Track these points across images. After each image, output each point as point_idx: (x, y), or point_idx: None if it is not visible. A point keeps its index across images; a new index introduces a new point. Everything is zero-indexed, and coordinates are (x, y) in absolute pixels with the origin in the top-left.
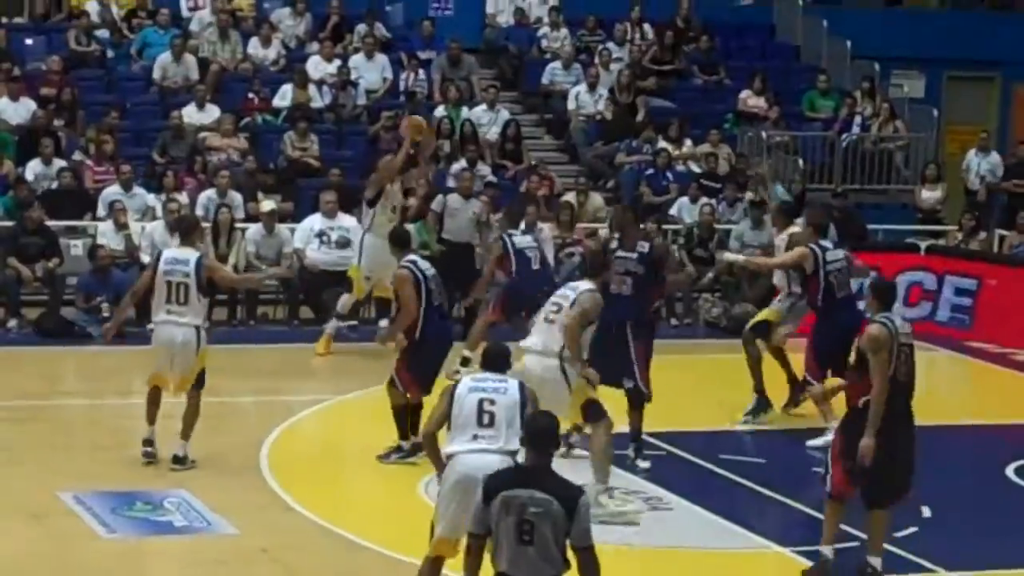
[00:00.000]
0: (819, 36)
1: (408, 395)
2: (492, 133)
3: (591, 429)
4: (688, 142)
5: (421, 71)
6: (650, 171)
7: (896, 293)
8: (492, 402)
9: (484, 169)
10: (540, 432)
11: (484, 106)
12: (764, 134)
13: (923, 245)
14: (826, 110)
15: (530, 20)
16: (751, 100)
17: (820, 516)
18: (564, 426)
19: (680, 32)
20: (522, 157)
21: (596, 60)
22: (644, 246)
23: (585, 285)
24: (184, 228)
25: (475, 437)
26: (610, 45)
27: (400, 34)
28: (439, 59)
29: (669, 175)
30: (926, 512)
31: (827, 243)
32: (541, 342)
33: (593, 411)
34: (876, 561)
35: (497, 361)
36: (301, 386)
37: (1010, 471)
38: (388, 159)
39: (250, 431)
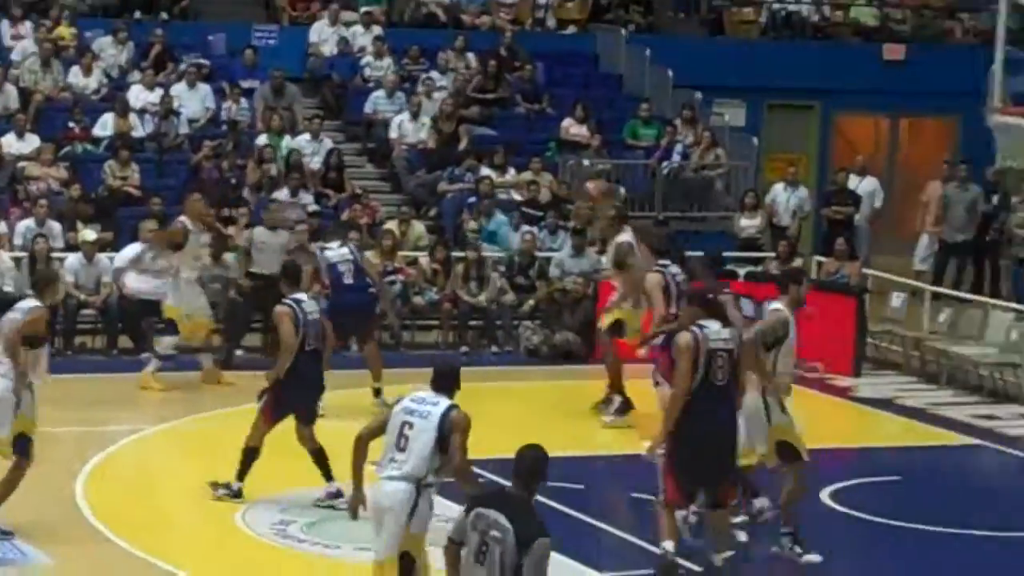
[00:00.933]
0: (641, 65)
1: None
2: (315, 162)
3: (786, 470)
4: (511, 170)
5: (243, 100)
6: (472, 199)
7: (716, 299)
8: (411, 426)
9: (307, 198)
10: (525, 465)
11: (307, 135)
12: (586, 162)
13: (742, 272)
14: (648, 138)
15: (354, 49)
16: (573, 128)
17: (637, 541)
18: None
19: (503, 61)
20: (345, 186)
21: (419, 89)
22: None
23: (773, 305)
24: (35, 281)
25: (392, 460)
26: (433, 74)
27: (222, 63)
28: (262, 88)
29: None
30: (742, 536)
31: (665, 260)
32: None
33: (787, 452)
34: (718, 558)
35: (438, 379)
36: (119, 416)
37: (825, 496)
38: (195, 199)
39: (67, 461)
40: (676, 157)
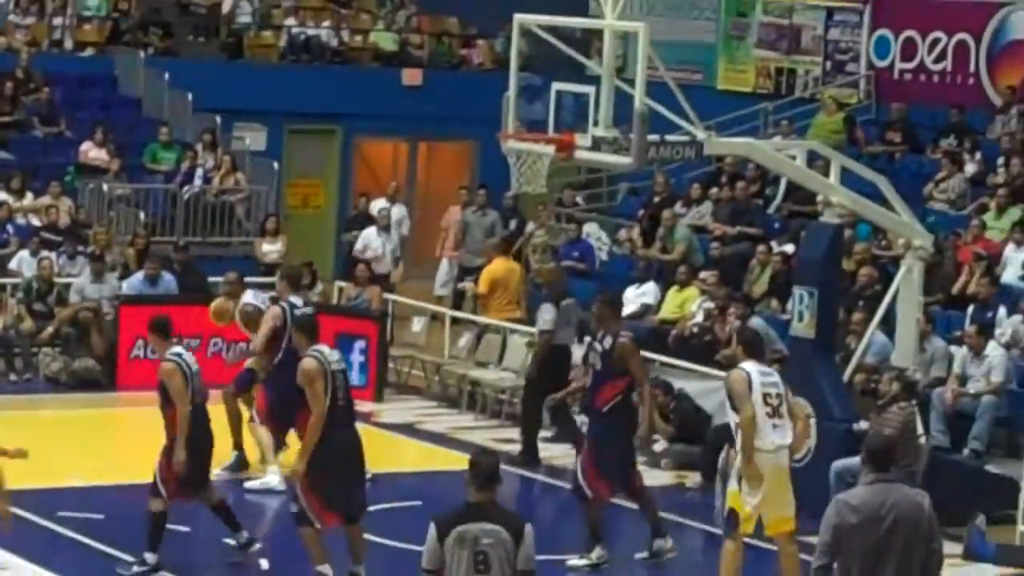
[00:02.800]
0: (161, 88)
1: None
2: None
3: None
4: (29, 195)
5: None
6: None
7: (318, 325)
8: None
9: None
10: (485, 470)
11: None
12: (106, 187)
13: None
14: (168, 162)
15: None
16: (92, 152)
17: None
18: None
19: (20, 83)
20: None
21: None
22: (608, 342)
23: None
24: None
25: None
26: None
27: None
28: None
29: (10, 228)
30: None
31: (296, 299)
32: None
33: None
34: (360, 569)
35: None
36: None
37: None
38: None
39: None
40: (197, 182)
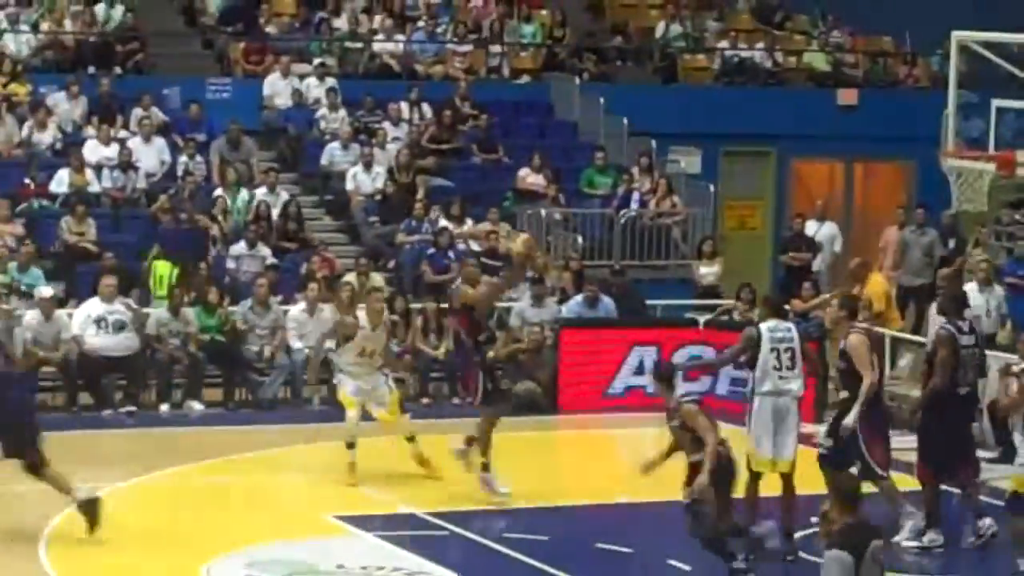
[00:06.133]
0: (596, 113)
1: None
2: (272, 215)
3: None
4: (468, 221)
5: (198, 154)
6: (431, 250)
7: None
8: None
9: (264, 250)
10: (854, 490)
11: (264, 188)
12: (543, 212)
13: (702, 320)
14: (604, 187)
15: (308, 101)
16: (530, 178)
17: None
18: None
19: (458, 111)
20: (303, 238)
21: (373, 140)
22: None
23: None
24: None
25: None
26: (386, 125)
27: (178, 117)
28: (218, 141)
29: (450, 254)
30: None
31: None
32: None
33: None
34: None
35: None
36: (81, 474)
37: None
38: None
39: (30, 519)
40: (634, 205)
